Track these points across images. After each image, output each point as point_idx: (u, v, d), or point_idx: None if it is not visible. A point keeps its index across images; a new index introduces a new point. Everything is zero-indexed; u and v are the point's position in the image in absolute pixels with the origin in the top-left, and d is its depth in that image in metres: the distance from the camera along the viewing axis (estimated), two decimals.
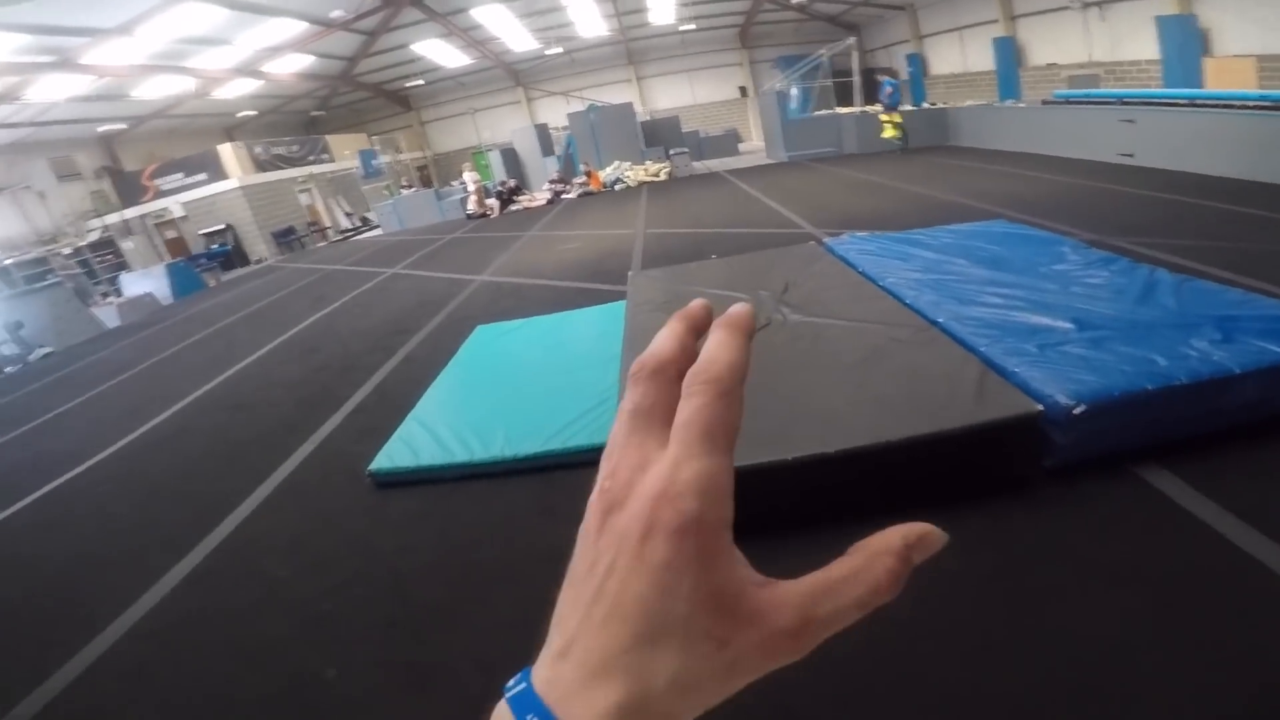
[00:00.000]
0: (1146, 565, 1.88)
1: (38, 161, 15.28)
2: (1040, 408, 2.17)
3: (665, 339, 0.26)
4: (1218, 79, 9.71)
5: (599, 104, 18.33)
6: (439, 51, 19.47)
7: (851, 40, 15.64)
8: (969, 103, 13.87)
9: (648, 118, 19.93)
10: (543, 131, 18.29)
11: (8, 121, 13.28)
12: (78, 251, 15.05)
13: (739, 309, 0.25)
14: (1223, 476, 2.14)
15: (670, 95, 24.06)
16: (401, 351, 5.25)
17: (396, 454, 3.24)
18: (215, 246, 16.63)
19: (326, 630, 2.30)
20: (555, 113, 22.04)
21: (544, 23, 18.57)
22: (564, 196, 14.86)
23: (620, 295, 4.70)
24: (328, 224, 19.42)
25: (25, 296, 11.06)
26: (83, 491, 4.07)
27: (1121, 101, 8.91)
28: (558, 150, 17.81)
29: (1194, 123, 7.33)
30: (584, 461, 2.86)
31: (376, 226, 17.43)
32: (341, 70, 19.52)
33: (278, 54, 15.45)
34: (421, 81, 22.35)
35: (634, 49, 22.94)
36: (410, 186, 18.81)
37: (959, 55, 17.22)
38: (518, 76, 23.70)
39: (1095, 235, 4.74)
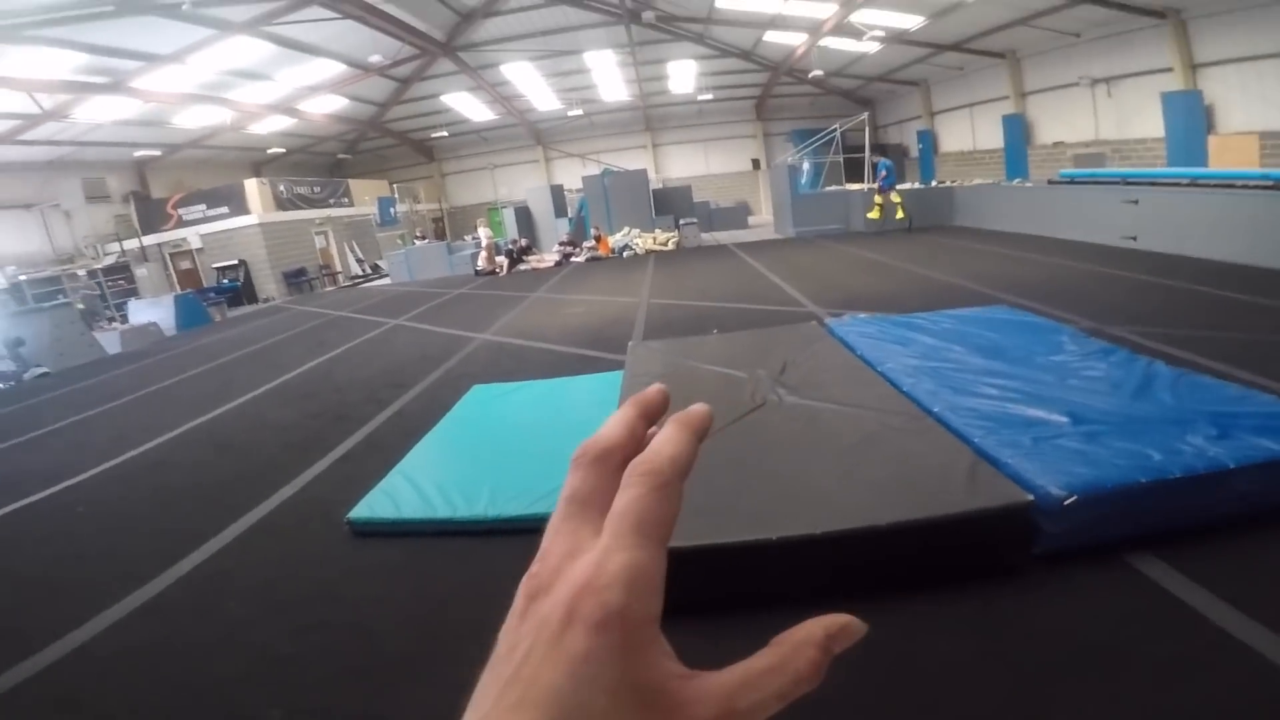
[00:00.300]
0: (1137, 651, 1.86)
1: (71, 181, 15.71)
2: (1031, 497, 2.17)
3: (613, 425, 0.26)
4: (1221, 156, 9.95)
5: (614, 169, 18.96)
6: (466, 104, 20.40)
7: (864, 115, 16.17)
8: (977, 181, 14.11)
9: (660, 185, 20.54)
10: (557, 192, 18.81)
11: (51, 139, 13.80)
12: (91, 274, 15.27)
13: (697, 409, 0.26)
14: (1214, 564, 2.14)
15: (684, 164, 24.83)
16: (396, 404, 5.24)
17: (377, 504, 3.19)
18: (226, 281, 16.86)
19: (281, 673, 2.21)
20: (571, 175, 22.72)
21: (569, 84, 19.50)
22: (572, 259, 15.19)
23: (620, 364, 4.73)
24: (339, 268, 19.76)
25: (31, 314, 11.13)
26: (50, 512, 3.97)
27: (1125, 181, 9.06)
28: (570, 212, 18.27)
29: (1196, 203, 7.49)
30: None
31: (386, 275, 17.73)
32: (371, 115, 20.41)
33: (314, 94, 16.21)
34: (445, 133, 23.23)
35: (652, 115, 23.87)
36: (424, 237, 19.26)
37: (968, 132, 17.83)
38: (539, 135, 24.63)
39: (1095, 323, 4.82)
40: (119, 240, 16.53)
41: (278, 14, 11.45)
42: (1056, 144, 14.40)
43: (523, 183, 22.89)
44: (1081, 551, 2.23)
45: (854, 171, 17.50)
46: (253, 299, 16.94)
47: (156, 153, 17.15)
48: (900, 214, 12.69)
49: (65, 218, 15.77)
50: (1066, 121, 13.99)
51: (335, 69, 15.11)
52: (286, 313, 13.12)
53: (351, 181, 21.63)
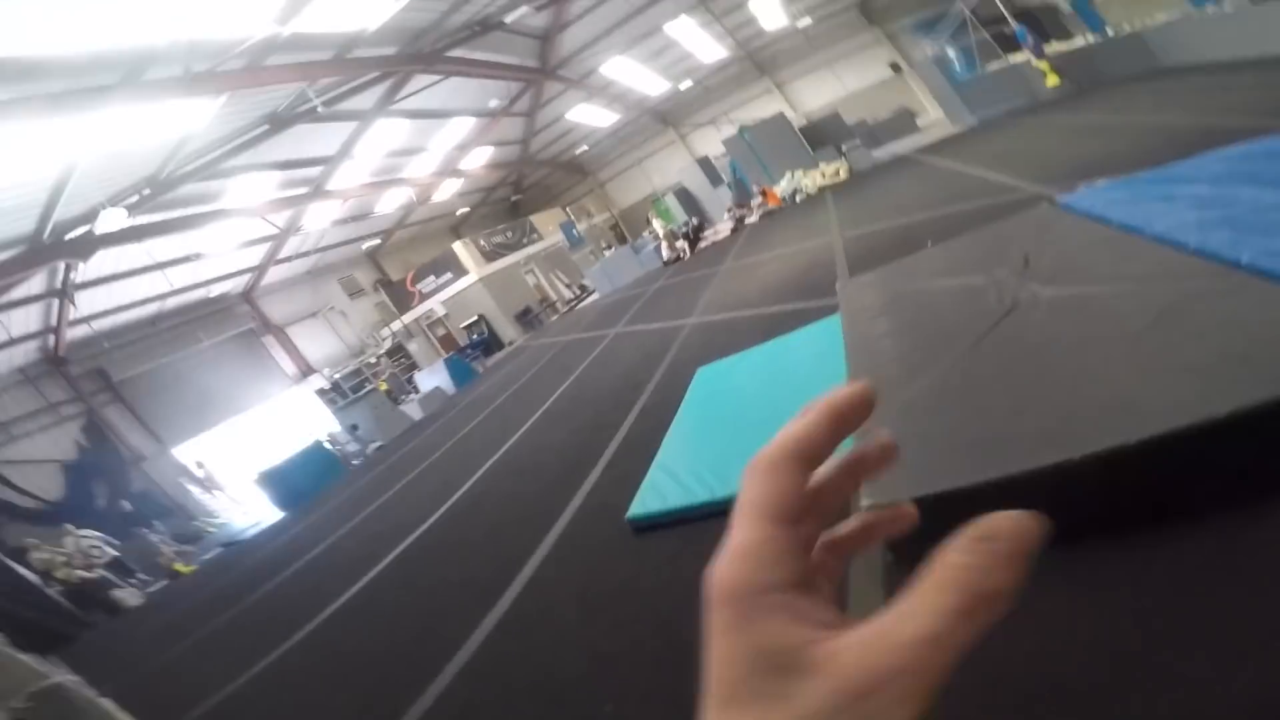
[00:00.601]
0: None
1: (331, 284, 19.71)
2: None
3: (788, 434, 0.26)
4: None
5: (748, 123, 18.23)
6: (589, 114, 21.15)
7: None
8: (1161, 18, 11.56)
9: (804, 122, 19.23)
10: (705, 164, 18.62)
11: (298, 252, 17.55)
12: (378, 360, 19.02)
13: (842, 391, 0.26)
14: None
15: (819, 93, 23.02)
16: (638, 405, 5.68)
17: (648, 500, 3.50)
18: (475, 337, 19.62)
19: (606, 669, 2.53)
20: (712, 142, 22.42)
21: (665, 61, 19.25)
22: (747, 221, 14.89)
23: (832, 309, 4.55)
24: (554, 297, 21.86)
25: (354, 404, 14.31)
26: (418, 555, 5.07)
27: None
28: (725, 178, 17.95)
29: None
30: None
31: (594, 291, 19.11)
32: (519, 154, 22.23)
33: (465, 151, 18.17)
34: (586, 147, 24.37)
35: (762, 60, 22.50)
36: (609, 247, 20.38)
37: None
38: (665, 118, 24.63)
39: None
40: (386, 324, 20.29)
41: (394, 91, 13.08)
42: None
43: (672, 166, 23.16)
44: None
45: (1006, 43, 15.00)
46: (500, 346, 19.44)
47: (376, 241, 20.79)
48: (1052, 79, 11.05)
49: (342, 316, 19.79)
50: None
51: (469, 123, 16.76)
52: (528, 351, 14.95)
53: (532, 217, 23.69)
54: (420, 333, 20.46)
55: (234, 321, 17.10)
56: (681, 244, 15.52)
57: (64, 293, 12.07)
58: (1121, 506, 1.83)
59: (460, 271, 19.57)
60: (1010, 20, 13.25)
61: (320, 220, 16.51)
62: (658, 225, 16.49)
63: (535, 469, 5.59)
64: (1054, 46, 12.86)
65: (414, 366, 18.76)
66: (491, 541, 4.53)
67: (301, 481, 11.63)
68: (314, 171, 14.35)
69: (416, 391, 16.24)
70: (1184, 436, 1.69)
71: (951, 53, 14.96)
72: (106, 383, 14.43)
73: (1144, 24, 11.81)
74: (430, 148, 16.78)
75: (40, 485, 12.43)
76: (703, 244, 15.64)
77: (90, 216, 10.08)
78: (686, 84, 21.67)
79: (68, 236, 10.38)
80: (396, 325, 20.21)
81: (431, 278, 20.05)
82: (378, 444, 13.12)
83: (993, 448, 1.96)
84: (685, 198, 18.49)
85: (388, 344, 19.69)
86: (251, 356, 17.23)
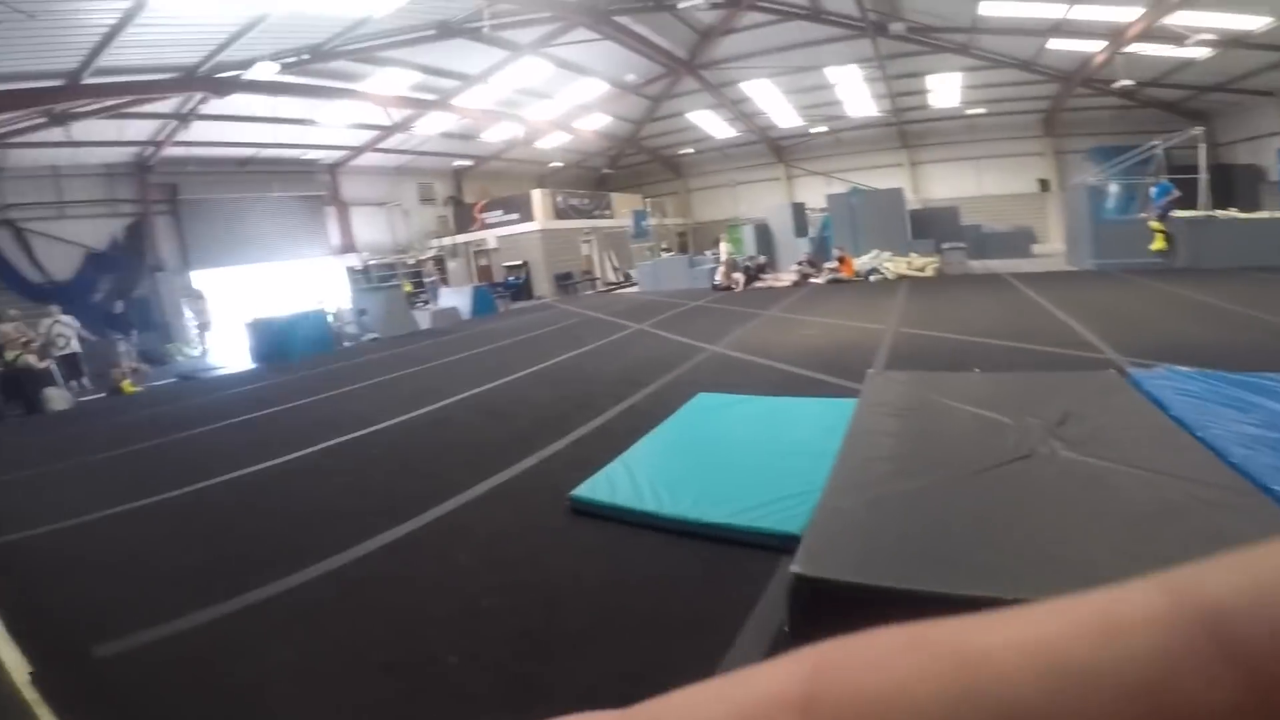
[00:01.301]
0: None
1: (409, 185, 20.06)
2: None
3: None
4: None
5: (862, 187, 17.88)
6: (709, 122, 21.08)
7: (1197, 130, 12.79)
8: None
9: (919, 206, 18.80)
10: (798, 210, 18.38)
11: (398, 148, 17.90)
12: (416, 263, 19.16)
13: None
14: None
15: (949, 184, 22.11)
16: (630, 399, 5.57)
17: (598, 487, 3.40)
18: (511, 279, 19.75)
19: (473, 624, 2.46)
20: (813, 193, 21.99)
21: (811, 100, 18.93)
22: (811, 280, 14.71)
23: (854, 392, 4.39)
24: (598, 274, 21.90)
25: (373, 292, 14.37)
26: (353, 450, 5.01)
27: None
28: (811, 231, 17.71)
29: None
30: (761, 544, 2.72)
31: (635, 283, 19.16)
32: (629, 133, 22.29)
33: (585, 112, 18.30)
34: (691, 150, 24.31)
35: (909, 131, 21.82)
36: (669, 249, 20.29)
37: None
38: (780, 152, 24.34)
39: None
40: (439, 237, 20.50)
41: (553, 36, 13.26)
42: None
43: (763, 200, 22.83)
44: None
45: (1186, 195, 14.08)
46: (529, 296, 19.56)
47: (469, 163, 21.08)
48: (1159, 243, 10.58)
49: (404, 216, 20.09)
50: None
51: (601, 88, 16.88)
52: (554, 310, 14.92)
53: (614, 195, 23.77)
54: (464, 256, 20.65)
55: (309, 185, 17.52)
56: (739, 275, 15.39)
57: (184, 117, 12.61)
58: None
59: (528, 216, 19.81)
60: (1201, 170, 12.36)
61: (430, 128, 16.86)
62: (724, 248, 16.36)
63: (506, 416, 5.49)
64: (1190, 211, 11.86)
65: (444, 282, 18.86)
66: (429, 465, 4.45)
67: (288, 341, 11.66)
68: (449, 84, 14.64)
69: (435, 303, 16.32)
70: None
71: (1114, 188, 14.39)
72: (171, 196, 14.84)
73: None
74: (556, 98, 16.93)
75: (55, 263, 12.72)
76: (758, 284, 15.48)
77: (247, 64, 10.73)
78: (820, 129, 21.30)
79: (219, 75, 11.01)
80: (448, 241, 20.42)
81: (500, 212, 20.38)
82: (374, 335, 13.15)
83: (929, 563, 1.92)
84: (763, 234, 18.29)
85: (431, 254, 19.87)
86: (307, 218, 17.56)
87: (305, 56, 11.15)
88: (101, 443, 6.25)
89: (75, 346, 10.11)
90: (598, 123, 19.91)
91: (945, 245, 14.82)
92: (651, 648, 2.23)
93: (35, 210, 12.58)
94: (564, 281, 20.00)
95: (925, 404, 3.68)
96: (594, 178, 26.65)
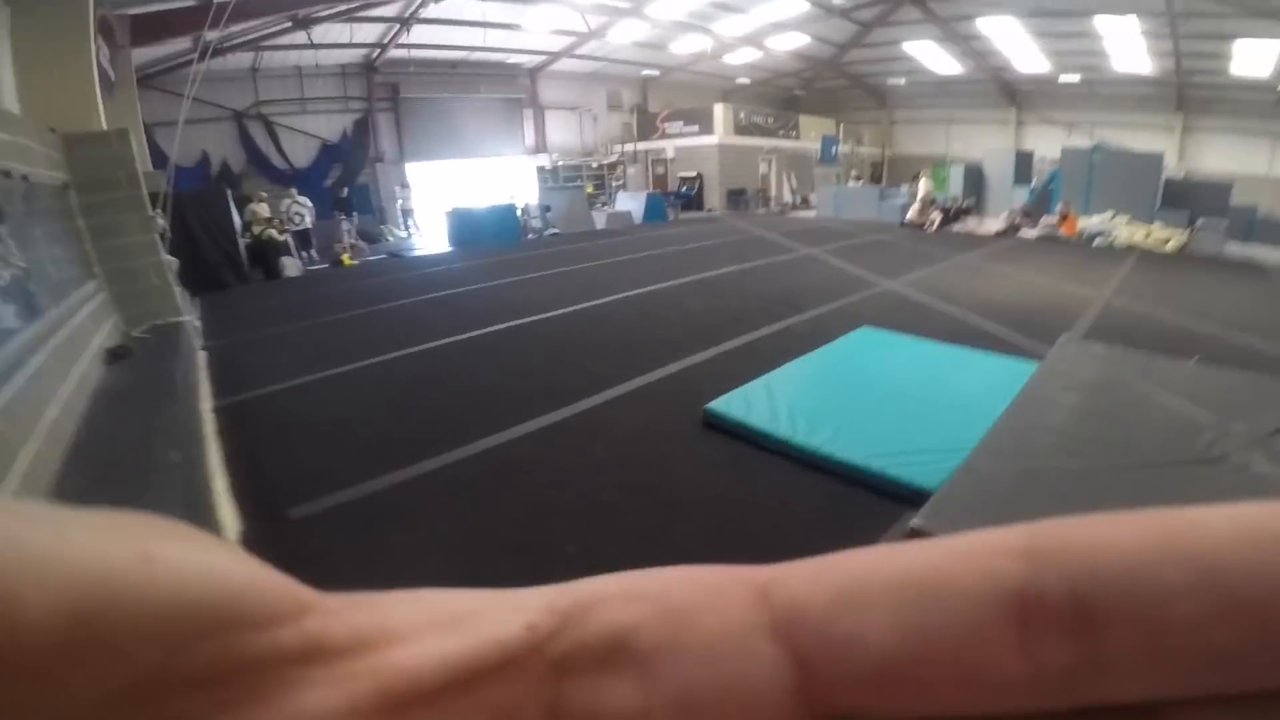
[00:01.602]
0: None
1: (599, 91, 20.33)
2: None
3: None
4: None
5: (1108, 145, 14.98)
6: (930, 54, 18.52)
7: None
8: None
9: (1179, 175, 15.44)
10: (1024, 159, 16.03)
11: (591, 55, 18.15)
12: (601, 167, 19.69)
13: None
14: None
15: (1231, 157, 17.71)
16: (786, 321, 5.50)
17: (734, 404, 3.47)
18: (684, 189, 19.66)
19: (596, 517, 2.66)
20: (1046, 142, 18.83)
21: (1065, 46, 15.84)
22: (1021, 232, 12.90)
23: (1037, 357, 3.96)
24: (773, 194, 21.03)
25: (559, 190, 15.10)
26: (526, 334, 5.50)
27: None
28: (1034, 182, 15.41)
29: None
30: (892, 493, 2.64)
31: (813, 209, 18.10)
32: (830, 56, 20.30)
33: (780, 30, 16.95)
34: (903, 81, 21.63)
35: (1190, 96, 17.57)
36: (860, 178, 18.78)
37: None
38: (1014, 97, 20.85)
39: None
40: (622, 144, 20.80)
41: None
42: None
43: (982, 142, 20.02)
44: None
45: None
46: (700, 207, 19.41)
47: (656, 73, 20.72)
48: None
49: (593, 121, 20.54)
50: None
51: (802, 7, 15.45)
52: (723, 224, 14.73)
53: (802, 117, 22.24)
54: (643, 163, 20.85)
55: (510, 88, 18.72)
56: (936, 214, 13.88)
57: (406, 20, 13.67)
58: None
59: (707, 129, 19.47)
60: None
61: (623, 36, 16.80)
62: (923, 184, 14.75)
63: (659, 320, 5.71)
64: None
65: (622, 187, 19.28)
66: (584, 357, 4.79)
67: (480, 230, 12.89)
68: None
69: (612, 206, 16.82)
70: None
71: None
72: (393, 95, 16.68)
73: None
74: (750, 13, 15.89)
75: (296, 153, 15.11)
76: (957, 227, 13.91)
77: None
78: (1071, 78, 17.98)
79: None
80: (629, 147, 20.68)
81: (681, 123, 20.24)
82: (555, 231, 13.96)
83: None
84: (973, 177, 16.20)
85: (613, 159, 20.30)
86: (507, 119, 18.87)
87: None
88: (325, 307, 7.17)
89: (308, 223, 11.75)
90: (793, 42, 18.42)
91: (1201, 221, 12.06)
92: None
93: (282, 106, 14.78)
94: (736, 197, 19.53)
95: (1116, 383, 3.23)
96: (783, 97, 24.95)
